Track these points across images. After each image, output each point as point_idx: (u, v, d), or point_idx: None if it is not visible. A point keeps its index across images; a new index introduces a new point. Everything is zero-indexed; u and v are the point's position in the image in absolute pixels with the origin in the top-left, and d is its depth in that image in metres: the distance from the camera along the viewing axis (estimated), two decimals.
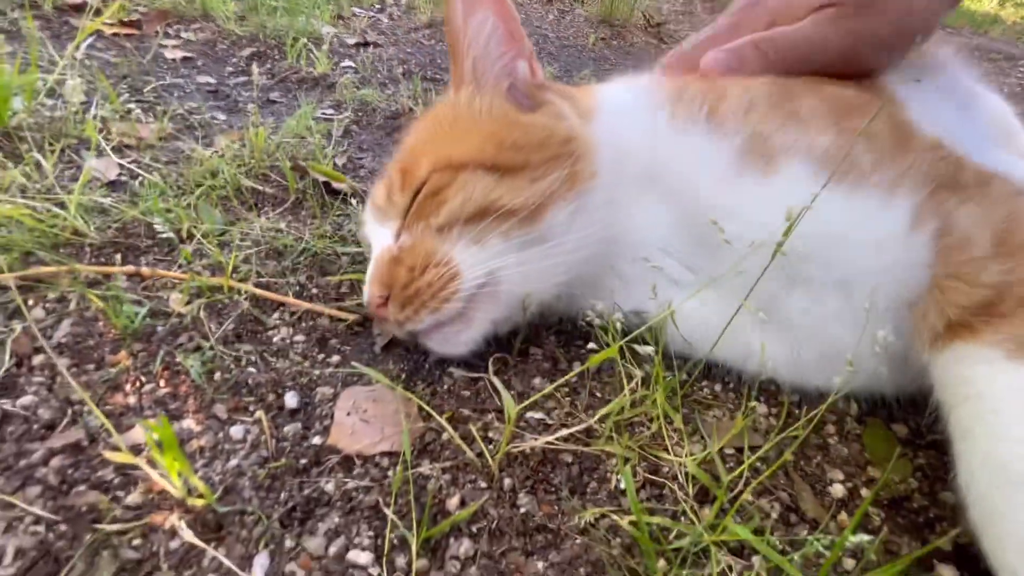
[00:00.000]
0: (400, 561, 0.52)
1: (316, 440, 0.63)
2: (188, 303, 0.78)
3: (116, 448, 0.56)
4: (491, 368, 0.69)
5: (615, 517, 0.56)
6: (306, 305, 0.81)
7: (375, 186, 0.78)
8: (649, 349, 0.64)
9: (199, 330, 0.75)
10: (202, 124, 1.28)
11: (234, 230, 0.93)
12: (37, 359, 0.68)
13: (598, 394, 0.71)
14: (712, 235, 0.63)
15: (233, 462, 0.60)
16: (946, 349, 0.58)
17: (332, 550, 0.53)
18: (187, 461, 0.54)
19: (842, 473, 0.64)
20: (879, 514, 0.60)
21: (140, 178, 1.03)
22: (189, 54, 1.66)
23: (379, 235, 0.74)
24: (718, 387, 0.74)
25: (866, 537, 0.47)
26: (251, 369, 0.71)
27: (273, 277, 0.86)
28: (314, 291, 0.85)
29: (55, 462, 0.57)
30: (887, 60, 0.81)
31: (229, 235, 0.92)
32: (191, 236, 0.91)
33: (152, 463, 0.55)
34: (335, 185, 1.11)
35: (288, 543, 0.53)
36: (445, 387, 0.71)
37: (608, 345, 0.65)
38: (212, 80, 1.55)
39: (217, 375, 0.69)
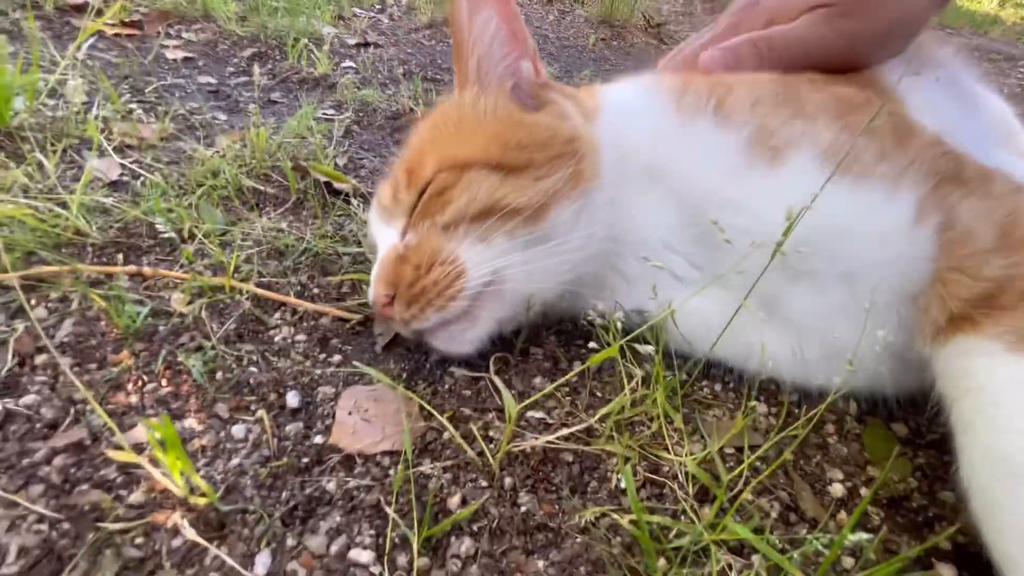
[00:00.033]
0: (401, 560, 0.52)
1: (318, 439, 0.63)
2: (190, 303, 0.78)
3: (119, 447, 0.56)
4: (492, 367, 0.69)
5: (615, 516, 0.56)
6: (311, 306, 0.81)
7: (381, 186, 0.79)
8: (650, 348, 0.64)
9: (201, 330, 0.75)
10: (203, 124, 1.28)
11: (235, 230, 0.93)
12: (40, 358, 0.68)
13: (599, 393, 0.71)
14: (716, 231, 0.63)
15: (235, 461, 0.60)
16: (948, 342, 0.58)
17: (334, 549, 0.53)
18: (189, 460, 0.54)
19: (842, 472, 0.64)
20: (878, 513, 0.60)
21: (142, 178, 1.04)
22: (190, 54, 1.66)
23: (385, 235, 0.74)
24: (718, 387, 0.74)
25: (865, 536, 0.48)
26: (253, 369, 0.71)
27: (274, 277, 0.86)
28: (315, 291, 0.85)
29: (58, 461, 0.58)
30: (879, 57, 0.83)
31: (230, 235, 0.93)
32: (192, 236, 0.91)
33: (154, 462, 0.55)
34: (336, 185, 1.11)
35: (290, 542, 0.53)
36: (446, 386, 0.71)
37: (609, 344, 0.65)
38: (213, 80, 1.55)
39: (219, 374, 0.69)
